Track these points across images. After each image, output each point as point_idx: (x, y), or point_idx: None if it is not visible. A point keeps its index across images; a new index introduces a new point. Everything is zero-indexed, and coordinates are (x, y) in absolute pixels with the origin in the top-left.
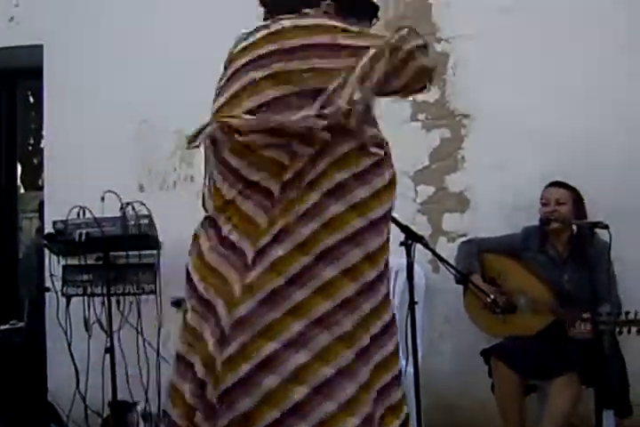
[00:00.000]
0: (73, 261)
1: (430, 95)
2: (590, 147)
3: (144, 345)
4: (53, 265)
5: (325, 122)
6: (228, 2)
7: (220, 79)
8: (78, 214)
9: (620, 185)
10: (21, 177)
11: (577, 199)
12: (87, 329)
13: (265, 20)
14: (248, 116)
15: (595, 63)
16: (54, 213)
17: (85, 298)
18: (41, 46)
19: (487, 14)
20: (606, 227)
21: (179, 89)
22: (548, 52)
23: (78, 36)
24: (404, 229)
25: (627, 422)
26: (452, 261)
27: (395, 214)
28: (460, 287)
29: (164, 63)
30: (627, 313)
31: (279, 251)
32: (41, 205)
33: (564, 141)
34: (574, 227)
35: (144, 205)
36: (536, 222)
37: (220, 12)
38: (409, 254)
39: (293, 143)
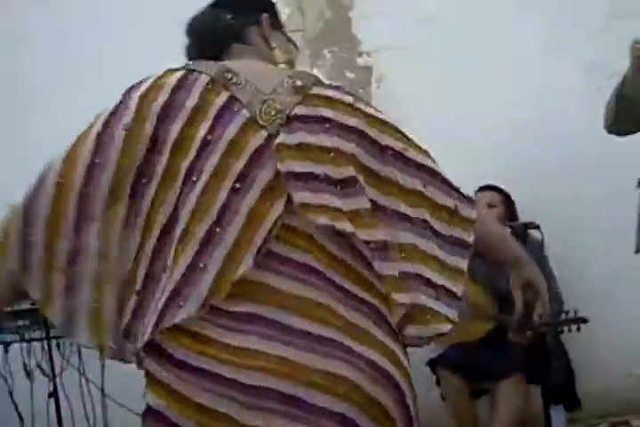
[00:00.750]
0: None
1: None
2: (519, 155)
3: (88, 386)
4: None
5: None
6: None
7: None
8: None
9: (548, 191)
10: None
11: (508, 202)
12: (28, 375)
13: (193, 49)
14: None
15: (517, 70)
16: None
17: (24, 344)
18: None
19: (408, 25)
20: (537, 227)
21: None
22: (473, 61)
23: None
24: None
25: (575, 415)
26: None
27: None
28: None
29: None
30: (566, 313)
31: None
32: None
33: (493, 150)
34: (508, 229)
35: None
36: None
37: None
38: None
39: None
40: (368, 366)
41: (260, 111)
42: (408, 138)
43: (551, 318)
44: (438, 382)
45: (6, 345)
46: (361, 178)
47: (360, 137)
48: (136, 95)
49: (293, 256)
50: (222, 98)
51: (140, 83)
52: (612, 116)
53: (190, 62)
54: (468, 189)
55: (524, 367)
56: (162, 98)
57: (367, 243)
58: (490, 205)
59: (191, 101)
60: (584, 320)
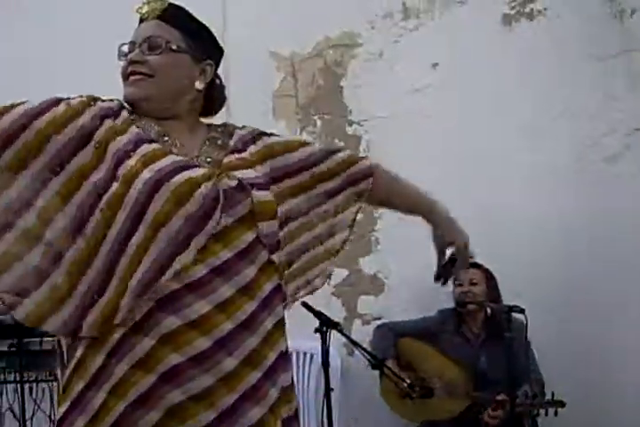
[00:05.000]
0: None
1: None
2: (507, 226)
3: None
4: None
5: None
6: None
7: None
8: None
9: (532, 263)
10: None
11: (489, 279)
12: None
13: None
14: None
15: (501, 140)
16: None
17: None
18: None
19: (398, 96)
20: (522, 311)
21: None
22: (457, 131)
23: None
24: (319, 315)
25: None
26: (366, 345)
27: (308, 299)
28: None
29: None
30: (543, 395)
31: None
32: None
33: (477, 220)
34: (488, 308)
35: None
36: (450, 302)
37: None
38: (324, 341)
39: None
40: None
41: None
42: None
43: (525, 399)
44: None
45: None
46: None
47: None
48: None
49: None
50: None
51: None
52: None
53: None
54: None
55: None
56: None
57: None
58: (472, 283)
59: None
60: (562, 404)
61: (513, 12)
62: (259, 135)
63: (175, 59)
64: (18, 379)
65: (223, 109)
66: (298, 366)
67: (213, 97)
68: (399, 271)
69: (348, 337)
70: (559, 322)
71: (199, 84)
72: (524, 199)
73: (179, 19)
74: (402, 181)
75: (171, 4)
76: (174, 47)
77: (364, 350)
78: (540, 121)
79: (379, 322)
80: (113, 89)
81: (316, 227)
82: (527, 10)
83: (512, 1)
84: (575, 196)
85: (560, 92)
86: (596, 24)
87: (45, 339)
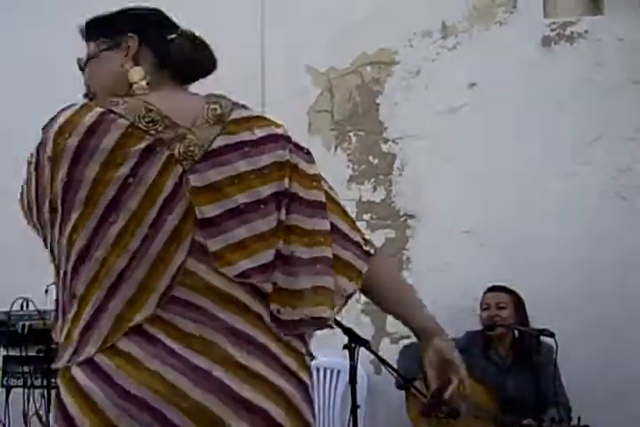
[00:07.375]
0: (14, 353)
1: (376, 195)
2: (535, 250)
3: None
4: None
5: None
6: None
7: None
8: (22, 306)
9: (563, 288)
10: None
11: (517, 302)
12: (26, 422)
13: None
14: None
15: (537, 165)
16: None
17: (25, 390)
18: None
19: (434, 115)
20: (552, 335)
21: None
22: (492, 153)
23: None
24: (348, 331)
25: None
26: (394, 363)
27: (338, 316)
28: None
29: None
30: (569, 419)
31: None
32: None
33: (510, 244)
34: (516, 331)
35: None
36: (479, 324)
37: None
38: (352, 358)
39: None
40: (254, 413)
41: (180, 148)
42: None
43: (551, 424)
44: None
45: (8, 389)
46: (287, 181)
47: (288, 141)
48: (52, 134)
49: (192, 300)
50: (143, 142)
51: (55, 119)
52: None
53: (112, 99)
54: (480, 282)
55: None
56: (76, 138)
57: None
58: (499, 306)
59: (107, 144)
60: None
61: (553, 34)
62: None
63: (94, 66)
64: (45, 384)
65: None
66: (324, 383)
67: (173, 60)
68: (429, 291)
69: (376, 355)
70: (587, 346)
71: (127, 65)
72: (554, 224)
73: (89, 29)
74: (401, 282)
75: (87, 23)
76: (89, 57)
77: (392, 368)
78: (577, 145)
79: (407, 341)
80: None
81: None
82: (567, 32)
83: (552, 23)
84: (606, 222)
85: (598, 116)
86: (636, 48)
87: None
